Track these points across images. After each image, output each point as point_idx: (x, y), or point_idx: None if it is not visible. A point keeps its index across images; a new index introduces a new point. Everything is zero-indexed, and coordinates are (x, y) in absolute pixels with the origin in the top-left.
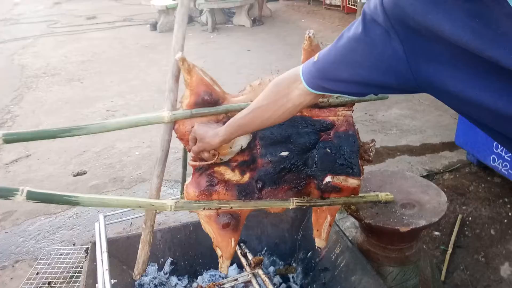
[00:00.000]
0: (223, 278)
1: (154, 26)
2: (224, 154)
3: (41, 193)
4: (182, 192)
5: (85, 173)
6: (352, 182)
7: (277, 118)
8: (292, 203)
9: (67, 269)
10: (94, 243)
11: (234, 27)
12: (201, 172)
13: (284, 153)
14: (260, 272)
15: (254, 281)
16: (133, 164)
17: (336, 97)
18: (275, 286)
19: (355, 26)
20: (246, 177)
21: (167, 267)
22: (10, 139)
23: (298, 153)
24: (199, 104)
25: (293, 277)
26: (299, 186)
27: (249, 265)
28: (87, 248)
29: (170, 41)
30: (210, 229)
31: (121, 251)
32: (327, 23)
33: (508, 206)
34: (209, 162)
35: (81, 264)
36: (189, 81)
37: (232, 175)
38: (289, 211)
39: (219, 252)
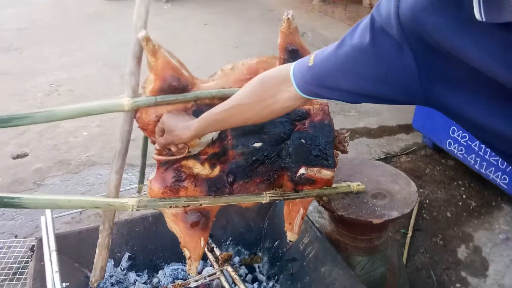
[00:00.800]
0: (185, 272)
1: None
2: (192, 146)
3: None
4: (141, 182)
5: (26, 155)
6: (326, 173)
7: (260, 118)
8: (266, 198)
9: (9, 265)
10: (40, 240)
11: None
12: (167, 167)
13: (257, 144)
14: (229, 269)
15: (222, 279)
16: (81, 145)
17: None
18: (242, 279)
19: (361, 34)
20: (216, 170)
21: (124, 263)
22: None
23: (272, 144)
24: (165, 90)
25: (259, 266)
26: (271, 179)
27: (217, 261)
28: (33, 246)
29: (118, 9)
30: (177, 228)
31: (72, 247)
32: None
33: (462, 188)
34: (178, 157)
35: (24, 259)
36: (154, 64)
37: (201, 169)
38: None
39: (187, 253)
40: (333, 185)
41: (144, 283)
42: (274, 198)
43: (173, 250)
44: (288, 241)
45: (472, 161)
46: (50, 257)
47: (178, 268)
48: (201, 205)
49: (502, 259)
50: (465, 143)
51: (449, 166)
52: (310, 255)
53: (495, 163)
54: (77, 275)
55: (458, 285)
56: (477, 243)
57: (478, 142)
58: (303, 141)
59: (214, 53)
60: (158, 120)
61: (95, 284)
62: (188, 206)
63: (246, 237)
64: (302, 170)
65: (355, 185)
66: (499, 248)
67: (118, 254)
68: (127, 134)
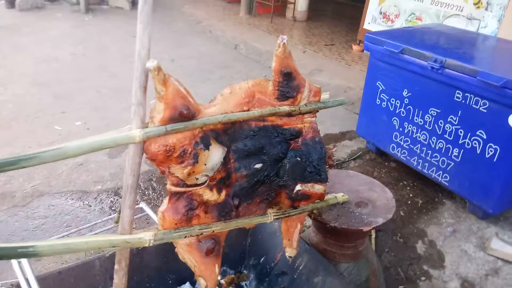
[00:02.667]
0: None
1: (11, 3)
2: (199, 172)
3: None
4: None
5: None
6: (318, 188)
7: None
8: (270, 217)
9: None
10: (17, 285)
11: (111, 9)
12: (179, 196)
13: (258, 165)
14: None
15: None
16: (22, 174)
17: (305, 105)
18: None
19: None
20: (223, 195)
21: None
22: None
23: (271, 164)
24: (174, 119)
25: (246, 284)
26: (269, 197)
27: (220, 286)
28: None
29: (34, 22)
30: (191, 258)
31: None
32: (212, 11)
33: (408, 188)
34: (196, 188)
35: None
36: (164, 93)
37: (210, 195)
38: None
39: (202, 283)
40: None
41: None
42: (277, 216)
43: (159, 279)
44: (287, 256)
45: (415, 163)
46: None
47: None
48: (213, 231)
49: (454, 250)
50: (407, 147)
51: (392, 167)
52: (301, 267)
53: (436, 163)
54: None
55: (423, 278)
56: (431, 237)
57: (419, 144)
58: (299, 158)
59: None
60: (169, 150)
61: None
62: (202, 234)
63: (230, 256)
64: (298, 187)
65: (340, 196)
66: (450, 240)
67: None
68: (138, 167)
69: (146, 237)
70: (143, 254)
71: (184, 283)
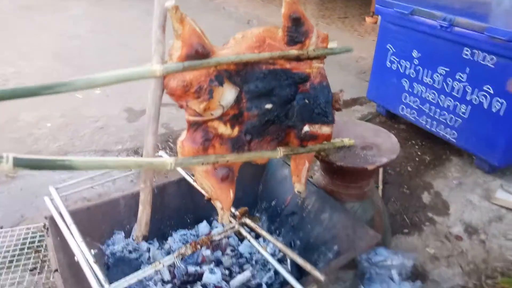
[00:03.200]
0: (193, 236)
1: None
2: (213, 109)
3: (30, 159)
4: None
5: None
6: (325, 130)
7: None
8: (280, 153)
9: (3, 254)
10: (51, 218)
11: None
12: (196, 127)
13: (269, 106)
14: (248, 221)
15: (243, 231)
16: (47, 136)
17: (313, 50)
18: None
19: None
20: (236, 130)
21: (134, 233)
22: None
23: (281, 105)
24: (191, 56)
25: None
26: (279, 137)
27: (234, 217)
28: (44, 224)
29: (56, 2)
30: (208, 183)
31: (82, 223)
32: None
33: (416, 147)
34: (212, 117)
35: (16, 247)
36: (181, 31)
37: (224, 129)
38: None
39: (218, 205)
40: (331, 141)
41: (157, 249)
42: (286, 153)
43: (179, 218)
44: (296, 191)
45: (424, 122)
46: (70, 230)
47: (186, 233)
48: (228, 161)
49: (459, 200)
50: (416, 107)
51: (401, 129)
52: (309, 207)
53: (444, 121)
54: (91, 247)
55: (427, 224)
56: (437, 189)
57: (428, 104)
58: (307, 101)
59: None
60: (186, 85)
61: (140, 239)
62: (217, 162)
63: (243, 201)
64: (306, 128)
65: (347, 140)
66: (455, 191)
67: (128, 226)
68: (159, 99)
69: (168, 161)
70: (164, 195)
71: (201, 221)
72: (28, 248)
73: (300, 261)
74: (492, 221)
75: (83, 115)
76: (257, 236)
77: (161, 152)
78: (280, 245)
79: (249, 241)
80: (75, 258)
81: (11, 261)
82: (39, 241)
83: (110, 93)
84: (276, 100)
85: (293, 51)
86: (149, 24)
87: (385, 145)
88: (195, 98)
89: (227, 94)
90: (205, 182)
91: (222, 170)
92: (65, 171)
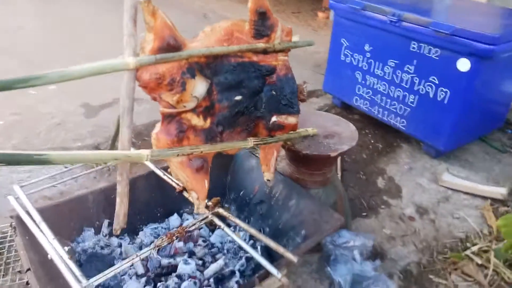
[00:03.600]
0: (164, 229)
1: None
2: (186, 101)
3: (7, 153)
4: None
5: None
6: (291, 120)
7: None
8: (250, 143)
9: None
10: (18, 217)
11: None
12: (170, 120)
13: (238, 97)
14: (221, 210)
15: (216, 220)
16: (1, 134)
17: (279, 43)
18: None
19: None
20: (208, 122)
21: (105, 229)
22: None
23: (250, 97)
24: (163, 49)
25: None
26: (249, 128)
27: (207, 207)
28: (11, 223)
29: None
30: (183, 174)
31: (50, 221)
32: None
33: (370, 135)
34: (185, 109)
35: None
36: (153, 24)
37: (197, 121)
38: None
39: (194, 195)
40: (296, 131)
41: (128, 244)
42: (256, 143)
43: (149, 212)
44: (266, 180)
45: (376, 112)
46: (41, 228)
47: (157, 227)
48: (202, 152)
49: (410, 184)
50: (369, 98)
51: (356, 119)
52: (277, 195)
53: (395, 110)
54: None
55: (383, 206)
56: (390, 174)
57: (379, 95)
58: (274, 92)
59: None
60: (159, 78)
61: (119, 231)
62: (192, 153)
63: (212, 193)
64: (274, 118)
65: (310, 130)
66: (406, 175)
67: (97, 222)
68: (132, 91)
69: (144, 153)
70: (133, 189)
71: (172, 214)
72: None
73: (272, 244)
74: (440, 202)
75: (39, 111)
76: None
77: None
78: (253, 231)
79: (223, 230)
80: (48, 256)
81: None
82: (1, 243)
83: (66, 89)
84: (245, 92)
85: (261, 44)
86: (106, 19)
87: (345, 133)
88: (168, 90)
89: (199, 86)
90: (180, 173)
91: (197, 161)
92: (23, 171)
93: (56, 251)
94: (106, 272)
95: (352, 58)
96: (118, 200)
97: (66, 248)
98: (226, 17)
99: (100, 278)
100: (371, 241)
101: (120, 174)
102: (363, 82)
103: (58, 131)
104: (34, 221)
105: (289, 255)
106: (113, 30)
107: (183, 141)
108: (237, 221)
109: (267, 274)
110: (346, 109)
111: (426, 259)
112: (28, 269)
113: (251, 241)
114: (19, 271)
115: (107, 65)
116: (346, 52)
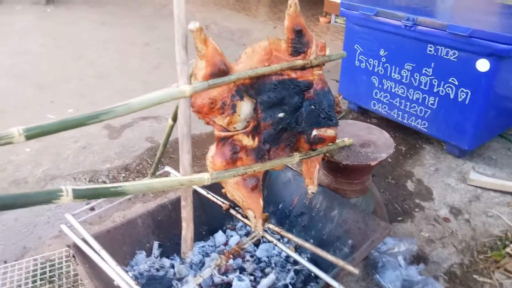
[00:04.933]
0: (211, 247)
1: None
2: (235, 122)
3: (87, 189)
4: (153, 174)
5: None
6: (330, 132)
7: None
8: (296, 158)
9: None
10: (75, 245)
11: None
12: (224, 142)
13: (281, 114)
14: (271, 226)
15: (267, 235)
16: (29, 162)
17: (315, 58)
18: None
19: None
20: (256, 141)
21: (155, 251)
22: (33, 134)
23: (291, 113)
24: (214, 74)
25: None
26: (291, 143)
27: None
28: (70, 253)
29: None
30: (239, 194)
31: (104, 247)
32: None
33: None
34: (239, 131)
35: (28, 280)
36: (205, 51)
37: (247, 141)
38: None
39: (251, 214)
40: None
41: (179, 264)
42: (302, 157)
43: (195, 231)
44: (310, 193)
45: (395, 115)
46: (101, 255)
47: (204, 245)
48: (254, 171)
49: (439, 185)
50: (387, 101)
51: (374, 123)
52: (317, 206)
53: (415, 113)
54: None
55: (417, 210)
56: (418, 176)
57: (398, 98)
58: (313, 107)
59: (127, 52)
60: (212, 103)
61: (187, 255)
62: (246, 173)
63: None
64: (314, 132)
65: (347, 140)
66: (434, 177)
67: (147, 244)
68: (189, 118)
69: (205, 176)
70: (177, 210)
71: (216, 232)
72: (41, 279)
73: (330, 258)
74: (471, 201)
75: (61, 136)
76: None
77: (167, 167)
78: (307, 245)
79: (276, 245)
80: (115, 283)
81: None
82: (50, 271)
83: (84, 111)
84: (287, 109)
85: (299, 61)
86: (102, 33)
87: (380, 141)
88: (219, 113)
89: (246, 107)
90: (236, 194)
91: (251, 180)
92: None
93: (122, 278)
94: None
95: (367, 64)
96: (184, 225)
97: (131, 274)
98: (228, 28)
99: None
100: (415, 245)
101: (185, 198)
102: (380, 86)
103: (85, 154)
104: (93, 249)
105: (350, 268)
106: (112, 46)
107: (237, 162)
108: (289, 235)
109: (327, 286)
110: (363, 114)
111: (467, 259)
112: None
113: (296, 253)
114: None
115: (166, 94)
116: (360, 58)
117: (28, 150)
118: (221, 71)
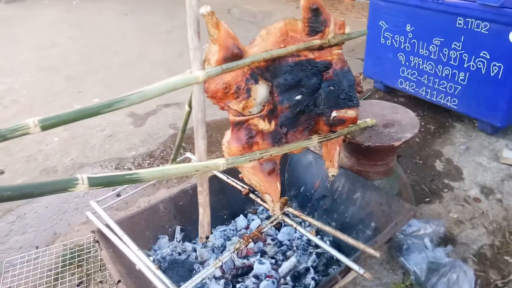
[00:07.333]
0: (233, 230)
1: None
2: (250, 106)
3: (102, 177)
4: (174, 160)
5: (2, 173)
6: (351, 113)
7: None
8: (315, 141)
9: (45, 273)
10: (99, 231)
11: None
12: (239, 127)
13: (298, 97)
14: (291, 209)
15: (287, 219)
16: (58, 151)
17: (333, 37)
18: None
19: None
20: (273, 124)
21: (178, 235)
22: (49, 125)
23: (309, 94)
24: (228, 58)
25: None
26: (310, 126)
27: None
28: (94, 238)
29: (24, 12)
30: (256, 179)
31: (127, 232)
32: None
33: (419, 118)
34: (254, 115)
35: (58, 265)
36: (217, 35)
37: (264, 125)
38: None
39: (268, 198)
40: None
41: (202, 248)
42: (320, 140)
43: (215, 215)
44: (331, 176)
45: (424, 93)
46: (123, 240)
47: (225, 229)
48: (271, 155)
49: (470, 164)
50: (415, 79)
51: (401, 102)
52: (339, 189)
53: (444, 89)
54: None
55: (445, 190)
56: (447, 156)
57: (426, 75)
58: (332, 87)
59: (150, 41)
60: (226, 87)
61: (204, 240)
62: (262, 157)
63: None
64: (334, 113)
65: (369, 121)
66: (465, 156)
67: (170, 229)
68: (203, 103)
69: (220, 162)
70: (196, 196)
71: (237, 216)
72: (70, 264)
73: (351, 241)
74: (504, 180)
75: (87, 125)
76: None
77: (188, 154)
78: (328, 228)
79: (295, 229)
80: (136, 267)
81: (56, 279)
82: (79, 256)
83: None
84: (304, 91)
85: (316, 41)
86: (125, 23)
87: (405, 121)
88: (234, 98)
89: (261, 91)
90: (253, 178)
91: (268, 164)
92: None
93: (143, 262)
94: (194, 278)
95: (393, 40)
96: (201, 210)
97: (152, 258)
98: (250, 11)
99: (189, 284)
100: (442, 227)
101: (201, 184)
102: (407, 63)
103: (111, 142)
104: (116, 234)
105: (371, 251)
106: (134, 35)
107: (253, 146)
108: (310, 219)
109: (348, 270)
110: (390, 93)
111: (498, 240)
112: (119, 281)
113: (318, 236)
114: (101, 281)
115: (179, 81)
116: (386, 35)
117: (56, 139)
118: (234, 55)
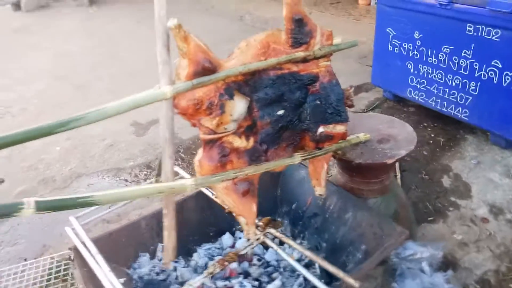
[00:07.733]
0: (218, 249)
1: (17, 6)
2: (226, 123)
3: (52, 200)
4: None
5: (2, 182)
6: (340, 128)
7: None
8: (297, 158)
9: (30, 287)
10: (75, 248)
11: None
12: (211, 145)
13: (281, 112)
14: (272, 230)
15: (268, 241)
16: (58, 160)
17: (319, 49)
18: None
19: None
20: (251, 141)
21: (159, 253)
22: None
23: (293, 109)
24: (198, 73)
25: (281, 230)
26: (294, 142)
27: (257, 227)
28: (69, 256)
29: (44, 21)
30: (229, 200)
31: (106, 249)
32: None
33: (429, 129)
34: (226, 133)
35: (43, 278)
36: (186, 49)
37: (240, 142)
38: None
39: (242, 220)
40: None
41: (183, 267)
42: (304, 157)
43: (201, 232)
44: (318, 195)
45: (433, 103)
46: (96, 260)
47: (210, 247)
48: (247, 175)
49: (480, 180)
50: (424, 88)
51: (411, 112)
52: (331, 207)
53: (454, 100)
54: (118, 275)
55: (451, 208)
56: (456, 171)
57: (436, 84)
58: (318, 102)
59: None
60: (197, 103)
61: (169, 265)
62: (236, 177)
63: (263, 206)
64: (320, 129)
65: (362, 136)
66: (475, 171)
67: (151, 247)
68: (171, 121)
69: (187, 183)
70: (184, 211)
71: (224, 233)
72: (55, 278)
73: (331, 268)
74: None
75: (90, 134)
76: (281, 243)
77: (176, 168)
78: (308, 253)
79: (276, 251)
80: None
81: None
82: (64, 270)
83: None
84: (287, 105)
85: (300, 53)
86: (137, 31)
87: (401, 136)
88: (207, 115)
89: (238, 106)
90: (226, 199)
91: (242, 185)
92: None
93: (112, 284)
94: None
95: (401, 48)
96: (165, 233)
97: (122, 280)
98: (262, 17)
99: None
100: (440, 251)
101: (166, 206)
102: (416, 72)
103: (111, 152)
104: (90, 252)
105: (350, 281)
106: (144, 44)
107: (227, 165)
108: (290, 242)
109: None
110: (399, 102)
111: (505, 265)
112: None
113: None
114: None
115: (145, 97)
116: (394, 42)
117: (58, 149)
118: (206, 69)
